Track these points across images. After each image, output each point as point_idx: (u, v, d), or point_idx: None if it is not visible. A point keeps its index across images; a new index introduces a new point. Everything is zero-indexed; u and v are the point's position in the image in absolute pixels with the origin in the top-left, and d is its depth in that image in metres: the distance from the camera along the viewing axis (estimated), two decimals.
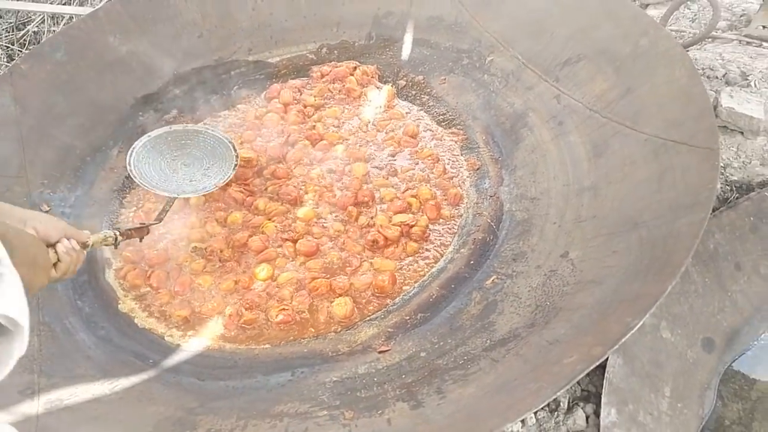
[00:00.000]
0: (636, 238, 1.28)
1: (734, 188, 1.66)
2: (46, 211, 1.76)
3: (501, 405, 1.04)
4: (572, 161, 1.66)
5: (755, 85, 1.89)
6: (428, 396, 1.16)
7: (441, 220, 1.74)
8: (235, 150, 1.83)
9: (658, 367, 1.37)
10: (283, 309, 1.52)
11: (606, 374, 1.29)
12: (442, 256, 1.64)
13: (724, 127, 1.75)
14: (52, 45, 2.07)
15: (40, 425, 1.23)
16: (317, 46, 2.34)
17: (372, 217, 1.73)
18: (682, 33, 2.25)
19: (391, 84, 2.21)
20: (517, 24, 2.04)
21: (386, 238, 1.67)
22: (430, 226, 1.71)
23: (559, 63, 1.87)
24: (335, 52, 2.33)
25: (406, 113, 2.12)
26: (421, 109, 2.13)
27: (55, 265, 0.98)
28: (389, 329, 1.46)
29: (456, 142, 1.98)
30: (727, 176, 1.67)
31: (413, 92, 2.18)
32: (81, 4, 3.09)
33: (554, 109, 1.82)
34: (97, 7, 2.21)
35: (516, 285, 1.43)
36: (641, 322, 1.01)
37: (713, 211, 1.61)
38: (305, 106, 2.13)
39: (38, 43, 3.08)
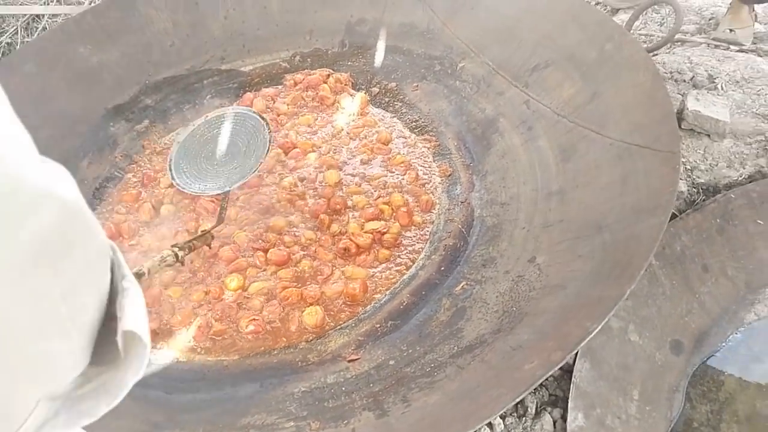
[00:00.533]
0: (599, 241, 1.29)
1: (701, 190, 1.67)
2: None
3: (463, 412, 1.04)
4: (541, 166, 1.68)
5: (722, 88, 1.91)
6: (394, 405, 1.16)
7: (413, 227, 1.74)
8: (262, 117, 1.67)
9: (626, 370, 1.38)
10: (254, 319, 1.51)
11: (573, 378, 1.29)
12: (413, 263, 1.64)
13: (691, 130, 1.77)
14: (22, 56, 2.06)
15: None
16: (290, 54, 2.34)
17: (344, 225, 1.73)
18: (651, 37, 2.28)
19: (364, 91, 2.22)
20: (487, 30, 2.06)
21: (358, 246, 1.66)
22: (402, 233, 1.71)
23: (528, 68, 1.88)
24: (308, 60, 2.33)
25: (380, 120, 2.12)
26: (395, 116, 2.13)
27: None
28: (359, 338, 1.45)
29: (428, 148, 1.98)
30: (694, 179, 1.69)
31: (386, 99, 2.18)
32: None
33: (524, 114, 1.83)
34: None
35: (485, 291, 1.43)
36: (599, 327, 1.01)
37: (680, 213, 1.63)
38: (278, 115, 2.13)
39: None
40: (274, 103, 2.18)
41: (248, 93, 2.22)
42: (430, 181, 1.88)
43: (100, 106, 2.10)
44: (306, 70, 2.28)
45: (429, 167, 1.93)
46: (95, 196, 1.92)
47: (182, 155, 1.66)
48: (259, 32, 2.34)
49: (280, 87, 2.26)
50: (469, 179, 1.83)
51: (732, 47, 2.17)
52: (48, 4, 3.15)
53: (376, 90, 2.21)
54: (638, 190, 1.32)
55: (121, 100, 2.14)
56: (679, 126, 1.79)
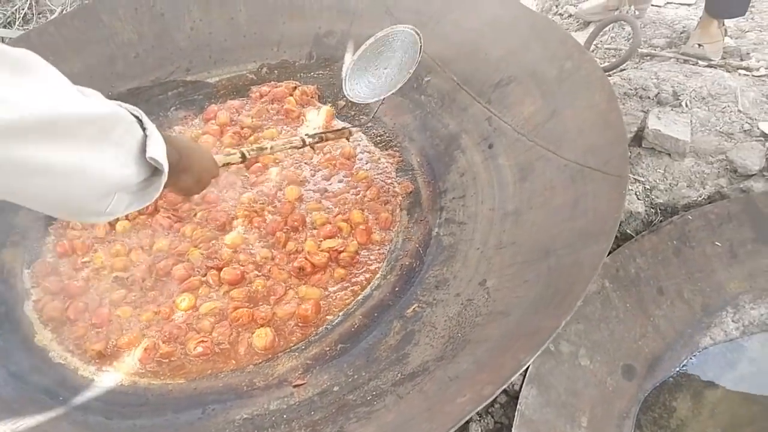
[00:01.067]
0: (545, 267, 1.27)
1: (659, 211, 1.66)
2: None
3: None
4: (499, 185, 1.66)
5: (686, 105, 1.90)
6: None
7: (371, 245, 1.71)
8: (417, 33, 1.80)
9: (575, 396, 1.36)
10: (202, 341, 1.49)
11: (518, 405, 1.27)
12: (369, 282, 1.62)
13: (652, 148, 1.76)
14: None
15: None
16: (257, 65, 2.32)
17: (301, 243, 1.71)
18: (620, 51, 2.26)
19: (330, 104, 2.19)
20: (453, 45, 2.04)
21: (313, 265, 1.64)
22: (360, 252, 1.69)
23: (492, 84, 1.86)
24: (276, 71, 2.31)
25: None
26: (360, 130, 2.11)
27: None
28: (308, 361, 1.43)
29: (392, 164, 1.96)
30: (653, 198, 1.67)
31: (352, 112, 2.16)
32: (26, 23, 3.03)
33: (485, 131, 1.81)
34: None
35: (434, 314, 1.41)
36: (531, 360, 0.99)
37: (636, 234, 1.61)
38: (242, 128, 2.10)
39: None
40: (238, 115, 2.16)
41: (213, 105, 2.20)
42: (392, 198, 1.85)
43: None
44: (272, 82, 2.26)
45: (391, 183, 1.91)
46: None
47: (355, 71, 1.86)
48: (225, 43, 2.31)
49: (245, 99, 2.23)
50: (429, 197, 1.81)
51: (700, 62, 2.15)
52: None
53: (342, 103, 2.19)
54: (586, 214, 1.30)
55: None
56: (640, 145, 1.78)
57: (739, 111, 1.87)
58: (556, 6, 2.79)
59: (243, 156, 1.39)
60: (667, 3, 2.63)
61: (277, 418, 1.26)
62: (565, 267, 1.21)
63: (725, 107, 1.89)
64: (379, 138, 2.06)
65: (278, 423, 1.25)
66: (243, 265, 1.66)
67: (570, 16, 2.66)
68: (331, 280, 1.63)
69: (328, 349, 1.45)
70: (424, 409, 1.07)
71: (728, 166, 1.68)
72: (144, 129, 0.81)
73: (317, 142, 1.71)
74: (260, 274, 1.64)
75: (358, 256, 1.67)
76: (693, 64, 2.16)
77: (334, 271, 1.64)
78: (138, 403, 1.38)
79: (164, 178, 0.83)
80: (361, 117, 2.14)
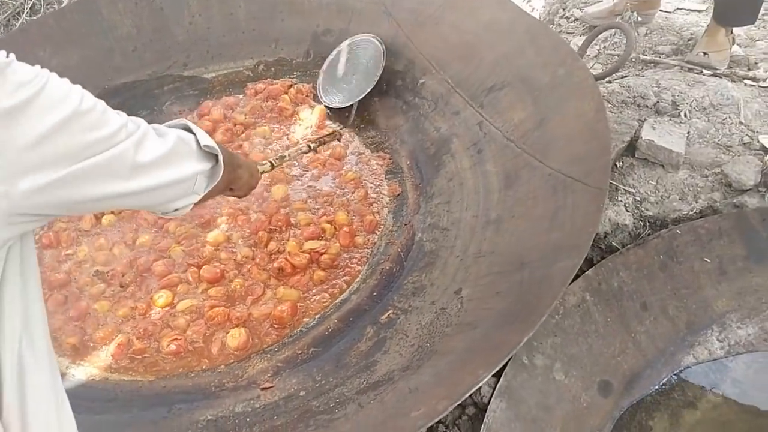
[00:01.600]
0: (518, 279, 1.24)
1: (648, 224, 1.61)
2: None
3: None
4: (485, 191, 1.63)
5: (685, 115, 1.84)
6: None
7: (354, 248, 1.70)
8: (378, 40, 2.05)
9: (547, 411, 1.33)
10: (176, 339, 1.48)
11: (485, 419, 1.24)
12: (348, 286, 1.60)
13: (645, 159, 1.71)
14: None
15: None
16: (254, 62, 2.31)
17: (283, 243, 1.70)
18: (619, 57, 2.21)
19: (324, 103, 2.18)
20: (449, 47, 2.01)
21: (293, 266, 1.63)
22: (341, 254, 1.67)
23: (485, 89, 1.83)
24: (272, 68, 2.30)
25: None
26: (352, 131, 2.09)
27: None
28: (279, 364, 1.42)
29: (381, 165, 1.94)
30: (642, 211, 1.62)
31: (346, 114, 2.14)
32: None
33: (476, 136, 1.78)
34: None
35: (408, 321, 1.39)
36: (489, 376, 0.96)
37: (623, 247, 1.57)
38: (235, 125, 2.09)
39: None
40: (232, 111, 2.15)
41: (207, 101, 2.19)
42: (379, 200, 1.83)
43: None
44: (268, 80, 2.25)
45: (379, 185, 1.89)
46: None
47: (326, 79, 2.14)
48: (224, 39, 2.31)
49: (240, 96, 2.23)
50: (416, 201, 1.78)
51: (705, 71, 2.09)
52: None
53: None
54: (563, 226, 1.27)
55: None
56: (633, 155, 1.74)
57: (741, 123, 1.81)
58: (563, 9, 2.74)
59: (272, 165, 1.45)
60: (677, 9, 2.56)
61: (240, 421, 1.25)
62: (535, 281, 1.18)
63: (726, 119, 1.83)
64: (370, 139, 2.04)
65: (240, 426, 1.24)
66: (223, 264, 1.66)
67: (576, 20, 2.61)
68: (310, 281, 1.62)
69: (300, 352, 1.44)
70: (379, 422, 1.05)
71: (723, 180, 1.63)
72: (192, 132, 0.93)
73: (320, 146, 1.79)
74: (239, 273, 1.64)
75: (339, 259, 1.66)
76: (697, 73, 2.09)
77: (314, 273, 1.63)
78: (106, 398, 1.38)
79: (221, 157, 0.95)
80: (354, 118, 2.12)
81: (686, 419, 1.38)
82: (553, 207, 1.36)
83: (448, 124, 1.90)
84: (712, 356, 1.47)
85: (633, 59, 2.24)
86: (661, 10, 2.50)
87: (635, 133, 1.75)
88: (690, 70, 2.13)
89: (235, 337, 1.47)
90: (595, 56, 2.32)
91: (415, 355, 1.25)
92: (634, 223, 1.60)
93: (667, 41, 2.35)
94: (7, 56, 0.60)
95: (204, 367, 1.45)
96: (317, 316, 1.53)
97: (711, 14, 2.17)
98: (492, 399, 1.28)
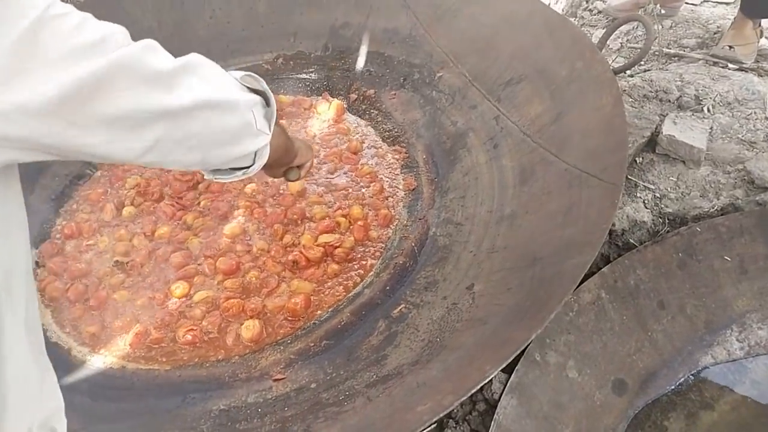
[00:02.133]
0: (530, 275, 1.23)
1: (667, 221, 1.58)
2: None
3: None
4: (500, 186, 1.62)
5: (708, 110, 1.80)
6: None
7: (368, 242, 1.70)
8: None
9: (560, 408, 1.31)
10: (191, 329, 1.50)
11: (495, 415, 1.24)
12: (362, 280, 1.61)
13: (666, 155, 1.67)
14: None
15: None
16: (273, 56, 2.32)
17: (298, 236, 1.71)
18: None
19: (342, 97, 2.18)
20: (467, 40, 1.99)
21: (308, 259, 1.64)
22: (355, 248, 1.67)
23: (503, 82, 1.81)
24: (291, 62, 2.31)
25: (354, 128, 2.08)
26: (369, 125, 2.09)
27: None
28: (291, 356, 1.43)
29: (398, 160, 1.94)
30: (662, 208, 1.59)
31: (363, 106, 2.14)
32: None
33: (492, 131, 1.77)
34: None
35: (420, 316, 1.39)
36: (495, 372, 0.96)
37: (640, 244, 1.54)
38: None
39: None
40: None
41: None
42: (394, 194, 1.83)
43: None
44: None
45: (395, 179, 1.88)
46: (64, 193, 1.93)
47: None
48: (243, 33, 2.32)
49: None
50: (431, 195, 1.78)
51: (730, 65, 2.04)
52: None
53: (354, 96, 2.17)
54: (577, 222, 1.25)
55: None
56: (653, 151, 1.70)
57: (766, 118, 1.76)
58: (586, 1, 2.69)
59: None
60: (704, 1, 2.50)
61: (252, 412, 1.26)
62: (547, 277, 1.16)
63: (750, 114, 1.79)
64: (387, 133, 2.04)
65: (252, 416, 1.25)
66: (239, 256, 1.67)
67: (599, 12, 2.57)
68: (324, 275, 1.62)
69: (312, 344, 1.44)
70: (386, 415, 1.05)
71: (745, 177, 1.59)
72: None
73: None
74: (255, 265, 1.65)
75: (353, 253, 1.66)
76: (722, 67, 2.05)
77: (328, 267, 1.63)
78: (123, 386, 1.41)
79: (270, 95, 0.90)
80: (371, 111, 2.12)
81: (703, 420, 1.36)
82: (568, 202, 1.34)
83: (464, 118, 1.88)
84: (731, 357, 1.44)
85: (656, 53, 2.20)
86: (687, 3, 2.45)
87: (656, 128, 1.71)
88: (715, 64, 2.08)
89: (250, 329, 1.49)
90: (618, 49, 2.28)
91: (424, 350, 1.25)
92: (652, 220, 1.57)
93: (692, 34, 2.30)
94: None
95: (218, 357, 1.47)
96: (330, 309, 1.54)
97: (738, 6, 2.11)
98: (503, 395, 1.27)
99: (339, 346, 1.41)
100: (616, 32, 2.28)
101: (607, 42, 1.79)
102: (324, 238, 1.68)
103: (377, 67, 2.20)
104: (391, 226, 1.74)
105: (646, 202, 1.60)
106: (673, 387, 1.40)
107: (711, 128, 1.73)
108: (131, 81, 0.62)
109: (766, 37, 2.17)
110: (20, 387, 0.65)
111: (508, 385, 1.28)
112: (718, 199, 1.59)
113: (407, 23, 2.16)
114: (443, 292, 1.42)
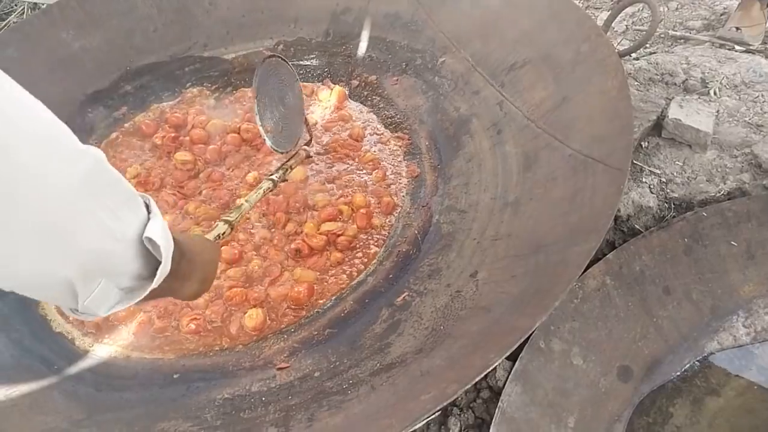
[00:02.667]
0: (534, 262, 1.22)
1: (673, 206, 1.56)
2: None
3: None
4: (504, 173, 1.60)
5: (715, 93, 1.78)
6: (299, 422, 1.13)
7: (371, 230, 1.69)
8: (278, 56, 1.63)
9: (564, 396, 1.31)
10: (195, 318, 1.50)
11: (500, 402, 1.23)
12: (365, 268, 1.60)
13: (671, 139, 1.65)
14: (3, 41, 2.07)
15: None
16: (274, 42, 2.30)
17: (301, 225, 1.70)
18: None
19: (344, 83, 2.16)
20: (470, 24, 1.96)
21: (310, 248, 1.63)
22: (358, 236, 1.66)
23: (506, 67, 1.79)
24: (292, 48, 2.28)
25: (356, 115, 2.06)
26: (371, 111, 2.07)
27: None
28: (295, 344, 1.42)
29: (400, 146, 1.92)
30: (668, 192, 1.57)
31: (365, 93, 2.12)
32: None
33: (496, 116, 1.74)
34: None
35: (423, 304, 1.38)
36: (499, 360, 0.95)
37: (646, 229, 1.53)
38: None
39: None
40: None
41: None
42: (397, 181, 1.82)
43: (80, 92, 2.11)
44: None
45: (398, 167, 1.87)
46: None
47: (264, 111, 1.63)
48: (243, 19, 2.30)
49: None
50: (434, 182, 1.76)
51: (737, 47, 2.01)
52: None
53: (356, 83, 2.15)
54: (582, 208, 1.24)
55: (101, 86, 2.14)
56: (659, 135, 1.68)
57: None
58: None
59: (230, 225, 1.28)
60: None
61: (256, 400, 1.26)
62: (551, 265, 1.15)
63: (758, 97, 1.76)
64: (390, 120, 2.02)
65: (256, 405, 1.25)
66: (242, 245, 1.67)
67: None
68: (327, 263, 1.62)
69: (316, 333, 1.44)
70: (390, 404, 1.05)
71: (753, 161, 1.57)
72: (149, 212, 0.71)
73: (288, 172, 1.62)
74: (258, 254, 1.64)
75: (356, 241, 1.65)
76: (729, 49, 2.01)
77: (330, 255, 1.62)
78: (128, 376, 1.41)
79: (165, 267, 0.71)
80: (373, 97, 2.10)
81: (709, 406, 1.35)
82: (573, 189, 1.32)
83: (468, 104, 1.86)
84: (737, 342, 1.43)
85: (662, 35, 2.17)
86: None
87: (662, 112, 1.69)
88: (721, 46, 2.05)
89: (253, 318, 1.48)
90: (623, 32, 2.24)
91: (428, 338, 1.24)
92: (658, 205, 1.56)
93: (698, 16, 2.26)
94: None
95: (223, 346, 1.47)
96: (333, 298, 1.53)
97: None
98: (507, 383, 1.27)
99: (342, 335, 1.41)
100: (621, 14, 2.24)
101: (612, 24, 1.76)
102: (327, 226, 1.66)
103: (379, 52, 2.17)
104: (394, 213, 1.72)
105: (651, 187, 1.59)
106: (678, 373, 1.40)
107: (717, 111, 1.71)
108: None
109: None
110: None
111: (512, 372, 1.28)
112: (724, 184, 1.57)
113: (409, 8, 2.13)
114: (447, 280, 1.41)
